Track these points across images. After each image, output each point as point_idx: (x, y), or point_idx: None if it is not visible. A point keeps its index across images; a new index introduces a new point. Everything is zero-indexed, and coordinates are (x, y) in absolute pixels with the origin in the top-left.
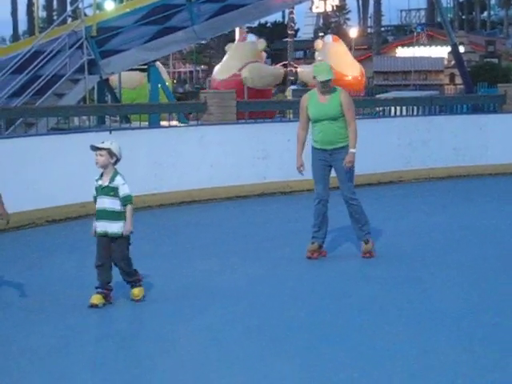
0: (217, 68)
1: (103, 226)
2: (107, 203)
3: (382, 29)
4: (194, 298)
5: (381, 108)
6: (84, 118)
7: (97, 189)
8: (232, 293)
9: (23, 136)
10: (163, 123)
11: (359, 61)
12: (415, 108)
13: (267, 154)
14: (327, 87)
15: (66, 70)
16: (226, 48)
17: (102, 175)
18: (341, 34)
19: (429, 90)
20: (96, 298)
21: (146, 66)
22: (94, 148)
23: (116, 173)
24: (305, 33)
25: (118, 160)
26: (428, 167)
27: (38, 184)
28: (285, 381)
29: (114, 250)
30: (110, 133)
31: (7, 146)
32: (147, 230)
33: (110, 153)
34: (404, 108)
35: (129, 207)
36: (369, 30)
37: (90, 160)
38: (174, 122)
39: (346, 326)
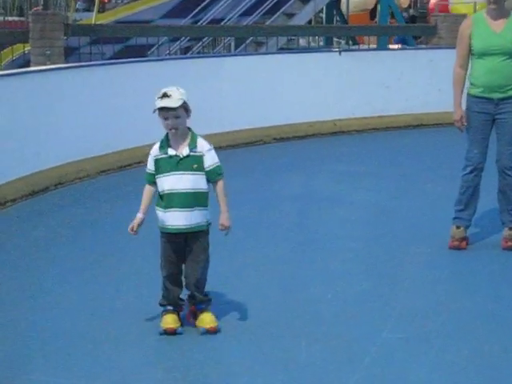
0: None
1: (181, 219)
2: (189, 182)
3: None
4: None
5: None
6: (310, 38)
7: (165, 162)
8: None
9: (253, 54)
10: (392, 46)
11: None
12: None
13: None
14: (499, 6)
15: None
16: None
17: (167, 142)
18: None
19: None
20: (171, 320)
21: None
22: (165, 109)
23: (194, 134)
24: None
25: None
26: None
27: (262, 103)
28: None
29: (190, 251)
30: (340, 54)
31: (238, 63)
32: (371, 151)
33: (186, 107)
34: None
35: (222, 184)
36: None
37: (312, 80)
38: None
39: None
